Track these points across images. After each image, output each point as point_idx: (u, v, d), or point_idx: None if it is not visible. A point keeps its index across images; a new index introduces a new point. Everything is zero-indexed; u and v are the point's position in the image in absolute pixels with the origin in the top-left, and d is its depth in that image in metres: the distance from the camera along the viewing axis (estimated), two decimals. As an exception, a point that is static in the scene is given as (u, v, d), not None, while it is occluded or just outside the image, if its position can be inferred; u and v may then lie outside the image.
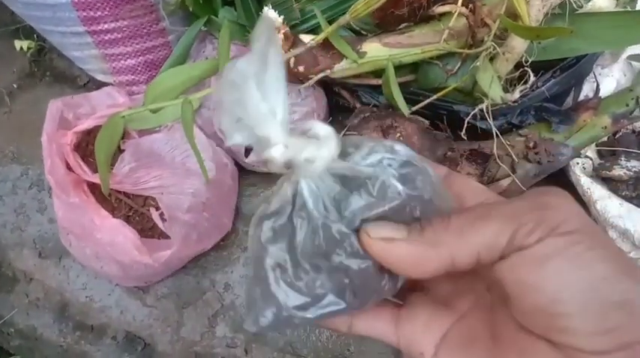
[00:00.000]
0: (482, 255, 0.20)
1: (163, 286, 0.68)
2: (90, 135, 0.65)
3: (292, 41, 0.60)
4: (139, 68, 0.69)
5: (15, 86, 0.78)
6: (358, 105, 0.68)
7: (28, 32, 0.79)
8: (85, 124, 0.61)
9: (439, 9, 0.58)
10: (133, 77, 0.70)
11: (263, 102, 0.19)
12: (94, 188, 0.61)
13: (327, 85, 0.70)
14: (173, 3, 0.66)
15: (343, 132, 0.65)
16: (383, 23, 0.60)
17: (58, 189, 0.56)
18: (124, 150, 0.62)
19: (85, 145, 0.66)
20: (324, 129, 0.21)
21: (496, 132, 0.58)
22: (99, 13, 0.63)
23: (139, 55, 0.69)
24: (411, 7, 0.57)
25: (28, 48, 0.77)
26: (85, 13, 0.62)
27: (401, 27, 0.61)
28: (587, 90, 0.68)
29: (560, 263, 0.19)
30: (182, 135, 0.64)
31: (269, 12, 0.59)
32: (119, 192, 0.64)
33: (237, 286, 0.68)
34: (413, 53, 0.60)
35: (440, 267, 0.21)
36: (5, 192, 0.73)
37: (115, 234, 0.55)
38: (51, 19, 0.64)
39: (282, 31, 0.59)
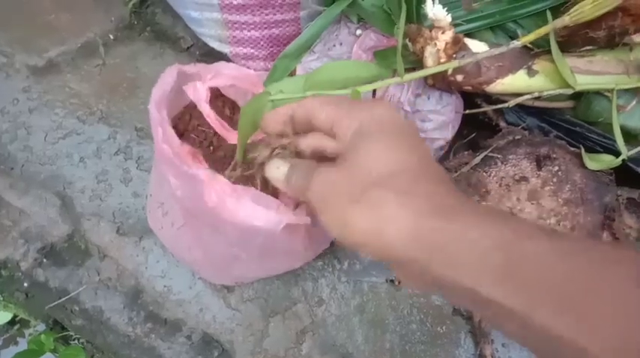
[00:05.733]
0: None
1: (250, 288, 0.61)
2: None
3: (459, 47, 0.52)
4: (262, 42, 0.61)
5: (111, 37, 0.69)
6: (502, 123, 0.60)
7: (131, -20, 0.71)
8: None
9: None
10: (252, 51, 0.62)
11: None
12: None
13: (466, 94, 0.62)
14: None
15: (487, 152, 0.57)
16: (566, 42, 0.52)
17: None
18: None
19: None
20: None
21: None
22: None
23: (265, 28, 0.60)
24: (610, 30, 0.49)
25: (130, -3, 0.69)
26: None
27: (581, 50, 0.53)
28: None
29: None
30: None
31: (436, 9, 0.51)
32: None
33: (333, 303, 0.61)
34: (595, 82, 0.52)
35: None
36: (88, 154, 0.65)
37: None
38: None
39: (450, 33, 0.51)
